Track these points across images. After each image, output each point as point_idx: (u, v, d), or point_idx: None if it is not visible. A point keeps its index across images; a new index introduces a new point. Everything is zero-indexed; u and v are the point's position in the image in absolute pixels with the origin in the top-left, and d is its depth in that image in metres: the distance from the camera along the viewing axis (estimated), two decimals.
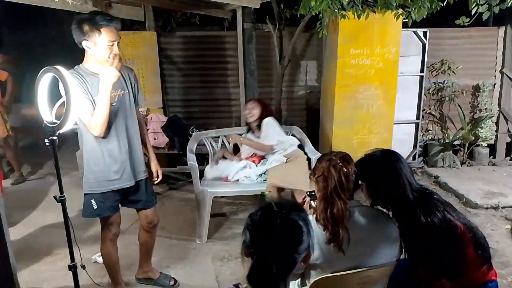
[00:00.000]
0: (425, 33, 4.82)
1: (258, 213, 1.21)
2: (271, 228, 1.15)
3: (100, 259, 3.08)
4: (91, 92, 2.06)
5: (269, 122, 3.57)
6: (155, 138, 4.37)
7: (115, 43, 2.06)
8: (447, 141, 5.13)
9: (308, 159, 3.64)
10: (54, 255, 3.24)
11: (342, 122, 4.44)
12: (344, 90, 4.36)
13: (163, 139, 4.35)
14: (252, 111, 3.56)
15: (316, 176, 1.72)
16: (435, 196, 1.80)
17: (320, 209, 1.65)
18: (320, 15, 3.95)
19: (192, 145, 3.80)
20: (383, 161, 1.81)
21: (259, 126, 3.59)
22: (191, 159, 3.60)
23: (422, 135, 5.29)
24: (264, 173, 3.52)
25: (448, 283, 1.68)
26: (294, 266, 1.19)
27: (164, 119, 4.50)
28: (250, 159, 3.69)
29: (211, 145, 4.03)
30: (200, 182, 3.49)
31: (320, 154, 3.57)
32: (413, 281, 1.83)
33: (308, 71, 5.18)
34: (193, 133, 4.27)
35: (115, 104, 2.16)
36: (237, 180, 3.56)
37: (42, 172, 5.25)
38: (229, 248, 3.34)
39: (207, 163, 4.19)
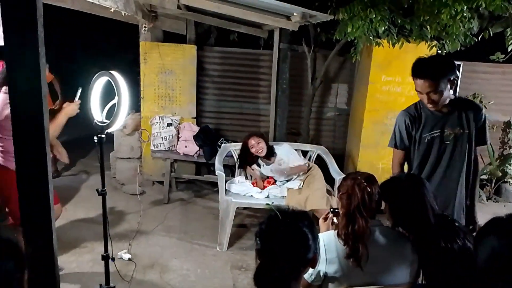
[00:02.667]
0: (458, 66, 4.84)
1: (265, 221, 1.34)
2: (276, 234, 1.29)
3: (125, 256, 3.23)
4: None
5: (289, 148, 3.89)
6: (185, 146, 4.54)
7: None
8: None
9: (332, 180, 3.72)
10: (81, 247, 3.41)
11: (368, 146, 4.50)
12: (372, 115, 4.43)
13: (193, 148, 4.51)
14: (260, 145, 3.73)
15: (340, 193, 1.81)
16: (456, 224, 1.85)
17: (342, 225, 1.73)
18: (355, 40, 4.06)
19: (220, 156, 3.94)
20: (408, 184, 1.88)
21: (268, 155, 3.78)
22: (219, 168, 3.73)
23: None
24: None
25: None
26: (299, 269, 1.31)
27: (196, 128, 4.67)
28: (270, 182, 3.80)
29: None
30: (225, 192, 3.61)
31: (344, 175, 3.65)
32: None
33: (339, 94, 5.27)
34: (222, 144, 4.43)
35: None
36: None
37: (75, 169, 5.50)
38: (247, 259, 3.43)
39: (233, 175, 4.32)
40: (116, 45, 7.36)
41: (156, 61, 4.67)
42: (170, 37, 5.05)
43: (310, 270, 1.68)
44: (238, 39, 5.32)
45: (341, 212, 1.80)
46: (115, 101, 1.86)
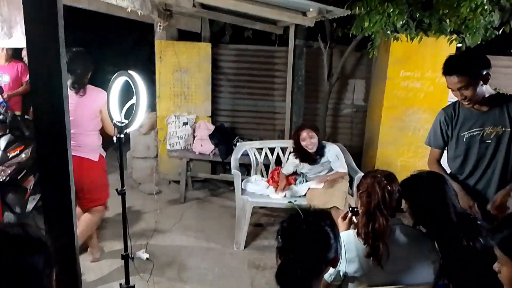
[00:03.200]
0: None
1: (287, 220, 1.35)
2: (297, 232, 1.29)
3: (143, 255, 3.25)
4: None
5: (339, 151, 3.58)
6: (201, 145, 4.54)
7: None
8: None
9: (350, 177, 3.67)
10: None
11: (386, 143, 4.43)
12: (391, 112, 4.36)
13: (209, 147, 4.51)
14: (312, 140, 3.42)
15: (360, 191, 1.78)
16: (479, 222, 1.80)
17: (362, 223, 1.70)
18: (372, 36, 3.99)
19: (236, 154, 3.93)
20: (429, 182, 1.83)
21: (316, 153, 3.49)
22: (235, 167, 3.72)
23: None
24: (305, 195, 3.56)
25: None
26: (321, 268, 1.32)
27: (212, 127, 4.67)
28: (286, 181, 3.74)
29: (255, 156, 4.14)
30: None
31: (362, 173, 3.60)
32: None
33: (356, 90, 5.20)
34: (237, 143, 4.42)
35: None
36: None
37: None
38: (264, 258, 3.41)
39: (248, 173, 4.31)
40: (132, 44, 7.41)
41: (171, 59, 4.69)
42: (185, 36, 5.06)
43: (331, 270, 1.66)
44: (253, 36, 5.30)
45: (360, 210, 1.76)
46: (133, 101, 1.86)
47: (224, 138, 4.62)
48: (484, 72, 2.06)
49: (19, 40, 3.04)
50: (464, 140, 2.26)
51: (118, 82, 1.90)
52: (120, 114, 1.91)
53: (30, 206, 3.38)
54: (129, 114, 1.92)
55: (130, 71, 1.86)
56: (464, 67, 2.07)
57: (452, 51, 4.16)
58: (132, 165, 4.98)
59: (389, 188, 1.71)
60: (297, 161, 3.59)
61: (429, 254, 1.72)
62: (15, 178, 3.15)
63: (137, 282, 2.64)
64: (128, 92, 1.97)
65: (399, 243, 1.69)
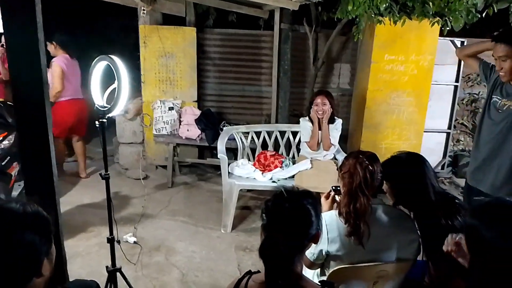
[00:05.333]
0: (462, 43, 4.77)
1: (271, 198, 1.40)
2: (280, 210, 1.34)
3: (131, 239, 3.28)
4: None
5: (340, 126, 3.62)
6: (187, 130, 4.54)
7: None
8: None
9: (337, 160, 3.72)
10: (88, 232, 3.45)
11: (371, 127, 4.48)
12: (375, 95, 4.40)
13: (195, 131, 4.52)
14: (324, 107, 3.45)
15: (342, 172, 1.82)
16: (457, 201, 1.86)
17: (344, 203, 1.74)
18: (357, 19, 4.00)
19: (223, 139, 3.94)
20: (409, 162, 1.88)
21: (328, 122, 3.53)
22: (221, 151, 3.74)
23: (453, 145, 5.24)
24: (293, 177, 3.59)
25: (463, 282, 1.73)
26: (303, 244, 1.37)
27: (198, 112, 4.66)
28: (272, 165, 3.77)
29: (241, 140, 4.16)
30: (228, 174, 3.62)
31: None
32: (429, 280, 1.89)
33: (341, 74, 5.23)
34: (224, 128, 4.42)
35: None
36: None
37: None
38: (252, 240, 3.47)
39: (235, 158, 4.33)
40: (118, 30, 7.28)
41: (156, 44, 4.64)
42: (169, 20, 5.00)
43: (313, 249, 1.71)
44: (237, 20, 5.25)
45: (342, 190, 1.81)
46: (115, 85, 1.85)
47: (211, 123, 4.62)
48: None
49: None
50: (488, 103, 2.42)
51: (99, 67, 1.89)
52: (102, 99, 1.90)
53: (15, 193, 3.36)
54: (112, 98, 1.91)
55: (111, 55, 1.84)
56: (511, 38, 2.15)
57: (436, 34, 4.20)
58: (119, 151, 4.96)
59: (371, 168, 1.75)
60: (310, 124, 3.60)
61: (409, 232, 1.77)
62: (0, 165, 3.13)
63: (125, 266, 2.67)
64: (110, 76, 1.96)
65: (380, 222, 1.74)
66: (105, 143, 2.01)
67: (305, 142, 3.67)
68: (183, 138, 4.57)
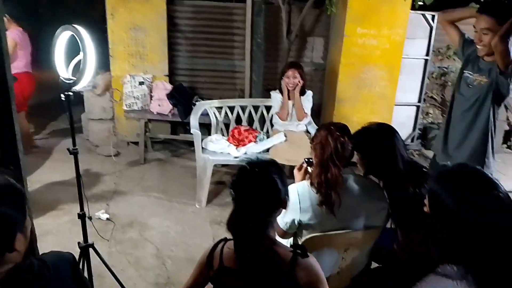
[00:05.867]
0: (433, 17, 4.83)
1: (237, 172, 1.43)
2: (246, 181, 1.37)
3: (103, 216, 3.23)
4: None
5: (310, 97, 3.73)
6: (159, 105, 4.45)
7: None
8: None
9: (309, 134, 3.75)
10: (58, 209, 3.38)
11: (344, 101, 4.52)
12: (348, 69, 4.42)
13: (167, 106, 4.43)
14: (295, 80, 3.55)
15: (314, 143, 1.83)
16: (424, 170, 1.91)
17: (315, 173, 1.76)
18: None
19: (196, 114, 3.89)
20: (379, 133, 1.91)
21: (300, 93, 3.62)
22: (194, 126, 3.69)
23: (422, 118, 5.36)
24: (267, 150, 3.60)
25: (431, 247, 1.80)
26: (272, 210, 1.40)
27: (170, 87, 4.56)
28: (246, 139, 3.77)
29: (215, 115, 4.12)
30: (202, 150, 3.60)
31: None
32: (398, 247, 1.97)
33: (315, 48, 5.20)
34: (197, 103, 4.36)
35: None
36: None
37: (46, 132, 5.36)
38: (226, 214, 3.38)
39: (209, 133, 4.29)
40: (80, 1, 6.96)
41: (124, 17, 4.47)
42: None
43: (286, 218, 1.73)
44: None
45: (314, 161, 1.82)
46: (80, 57, 1.78)
47: (183, 98, 4.54)
48: None
49: None
50: (460, 78, 2.45)
51: (62, 37, 1.80)
52: (67, 71, 1.82)
53: None
54: (78, 71, 1.83)
55: (75, 25, 1.76)
56: (497, 11, 2.13)
57: (407, 8, 4.23)
58: (88, 127, 4.82)
59: (342, 139, 1.77)
60: (280, 95, 3.67)
61: (378, 201, 1.82)
62: None
63: (98, 243, 2.62)
64: (75, 49, 1.87)
65: (351, 192, 1.77)
66: (72, 117, 1.95)
67: (276, 113, 3.71)
68: (155, 113, 4.49)
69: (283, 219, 1.73)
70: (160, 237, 3.07)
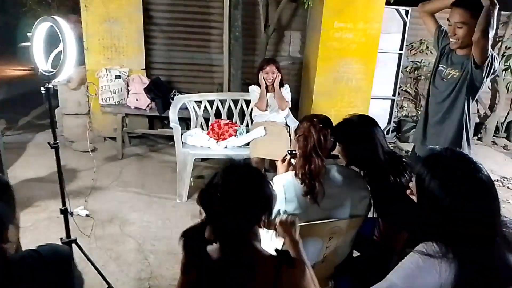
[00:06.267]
0: (406, 12, 4.95)
1: (213, 182, 1.25)
2: (225, 196, 1.22)
3: (82, 212, 3.18)
4: None
5: (288, 90, 3.85)
6: (136, 99, 4.39)
7: None
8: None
9: (289, 128, 3.79)
10: (35, 206, 3.30)
11: (321, 94, 4.59)
12: (325, 63, 4.49)
13: (145, 101, 4.37)
14: (273, 75, 3.69)
15: (297, 135, 1.86)
16: (404, 160, 1.97)
17: (299, 165, 1.79)
18: None
19: (175, 108, 3.86)
20: (360, 124, 1.96)
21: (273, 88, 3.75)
22: (174, 120, 3.67)
23: (397, 111, 5.50)
24: (247, 144, 3.62)
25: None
26: (257, 220, 1.27)
27: (147, 80, 4.50)
28: (226, 133, 3.77)
29: (194, 109, 4.10)
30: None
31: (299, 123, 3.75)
32: (379, 235, 2.03)
33: (292, 42, 5.24)
34: (175, 96, 4.32)
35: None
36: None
37: (18, 128, 5.20)
38: None
39: (188, 127, 4.27)
40: None
41: (98, 8, 4.37)
42: None
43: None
44: None
45: (298, 153, 1.85)
46: (60, 48, 1.74)
47: (161, 91, 4.49)
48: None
49: None
50: (434, 71, 2.50)
51: (41, 28, 1.75)
52: (46, 63, 1.78)
53: None
54: (57, 63, 1.79)
55: (54, 16, 1.71)
56: (472, 4, 2.14)
57: (382, 2, 4.32)
58: (63, 122, 4.71)
59: (324, 131, 1.80)
60: (258, 89, 3.76)
61: (360, 190, 1.87)
62: None
63: (78, 238, 2.57)
64: (53, 40, 1.83)
65: (334, 182, 1.81)
66: (52, 111, 1.90)
67: (255, 104, 3.80)
68: (132, 108, 4.42)
69: None
70: (141, 232, 3.05)
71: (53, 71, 1.77)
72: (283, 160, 2.03)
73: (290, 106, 3.87)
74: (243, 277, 1.23)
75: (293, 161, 2.03)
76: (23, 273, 1.01)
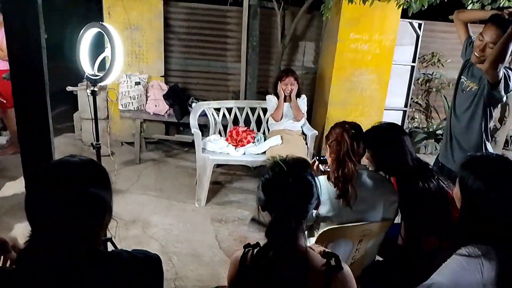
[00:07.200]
0: (420, 25, 5.05)
1: (270, 173, 1.33)
2: (284, 186, 1.29)
3: None
4: None
5: (305, 100, 3.99)
6: (156, 105, 4.48)
7: None
8: (430, 129, 5.45)
9: (305, 136, 3.88)
10: None
11: (336, 103, 4.66)
12: (341, 73, 4.57)
13: (163, 107, 4.46)
14: (291, 87, 3.79)
15: (330, 141, 1.94)
16: (430, 167, 2.04)
17: (333, 169, 1.86)
18: None
19: (195, 114, 3.94)
20: (389, 131, 2.03)
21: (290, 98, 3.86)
22: (194, 126, 3.75)
23: (408, 122, 5.58)
24: (264, 153, 3.70)
25: (436, 241, 1.93)
26: (307, 214, 1.34)
27: (166, 87, 4.60)
28: (245, 140, 3.85)
29: (213, 115, 4.18)
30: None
31: (316, 131, 3.84)
32: (403, 241, 2.09)
33: (306, 52, 5.34)
34: (193, 103, 4.41)
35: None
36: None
37: None
38: (225, 212, 3.55)
39: (204, 134, 4.34)
40: None
41: (120, 15, 4.49)
42: None
43: None
44: None
45: (330, 158, 1.92)
46: (106, 53, 1.82)
47: (179, 98, 4.58)
48: None
49: None
50: (457, 83, 2.59)
51: (89, 34, 1.84)
52: (92, 68, 1.86)
53: None
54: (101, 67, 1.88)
55: (102, 23, 1.80)
56: (507, 26, 2.14)
57: (397, 15, 4.41)
58: (81, 126, 4.79)
59: (356, 136, 1.88)
60: (275, 99, 3.88)
61: (390, 195, 1.93)
62: None
63: None
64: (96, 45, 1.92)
65: (366, 186, 1.88)
66: (96, 113, 1.98)
67: (271, 114, 3.91)
68: (151, 113, 4.51)
69: None
70: (163, 234, 3.11)
71: (99, 75, 1.85)
72: (312, 165, 2.11)
73: (305, 117, 3.98)
74: (295, 279, 1.24)
75: (321, 166, 2.10)
76: (116, 268, 1.07)
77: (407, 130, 5.50)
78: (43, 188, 1.00)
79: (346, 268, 1.28)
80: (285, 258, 1.27)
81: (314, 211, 1.84)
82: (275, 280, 1.26)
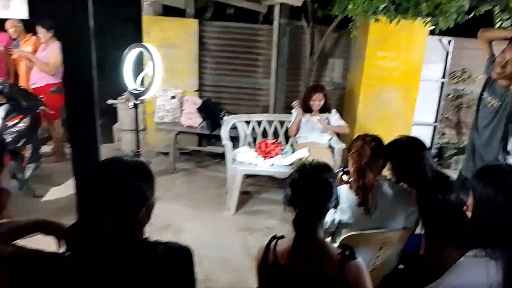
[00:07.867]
0: (449, 42, 5.08)
1: (297, 173, 1.56)
2: (308, 185, 1.51)
3: None
4: None
5: (338, 114, 4.20)
6: (190, 119, 4.71)
7: None
8: (461, 145, 5.41)
9: (332, 149, 3.99)
10: None
11: (364, 119, 4.75)
12: (368, 90, 4.67)
13: (197, 120, 4.69)
14: (320, 103, 3.99)
15: (351, 152, 2.06)
16: (450, 179, 2.12)
17: (354, 179, 1.98)
18: (352, 17, 4.23)
19: (226, 127, 4.14)
20: (409, 144, 2.13)
21: (321, 111, 4.04)
22: (226, 138, 3.94)
23: (438, 138, 5.57)
24: (291, 164, 3.83)
25: (455, 250, 1.99)
26: (326, 212, 1.56)
27: (199, 101, 4.83)
28: (273, 152, 4.00)
29: (243, 128, 4.36)
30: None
31: (344, 144, 3.94)
32: (424, 252, 2.15)
33: (334, 69, 5.47)
34: (224, 117, 4.62)
35: None
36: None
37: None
38: (254, 221, 3.69)
39: (235, 146, 4.53)
40: (111, 20, 7.32)
41: (158, 35, 4.78)
42: (168, 11, 5.15)
43: (327, 218, 1.94)
44: (234, 13, 5.44)
45: (352, 168, 2.04)
46: (147, 71, 2.03)
47: (211, 112, 4.80)
48: None
49: (16, 11, 3.10)
50: (480, 99, 2.65)
51: (133, 53, 2.06)
52: (135, 83, 2.08)
53: (27, 174, 3.49)
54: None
55: (144, 43, 2.02)
56: None
57: (425, 33, 4.49)
58: (120, 137, 5.09)
59: (377, 148, 2.00)
60: (300, 110, 4.04)
61: (409, 205, 2.03)
62: (15, 146, 3.25)
63: None
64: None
65: (386, 196, 1.98)
66: (138, 123, 2.19)
67: (287, 127, 4.18)
68: (185, 126, 4.74)
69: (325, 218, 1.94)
70: (194, 239, 3.27)
71: (140, 90, 2.06)
72: (335, 176, 2.22)
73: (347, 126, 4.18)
74: (312, 266, 1.43)
75: (344, 177, 2.22)
76: (152, 257, 1.21)
77: (437, 146, 5.50)
78: (97, 177, 1.18)
79: (360, 259, 1.44)
80: (304, 246, 1.46)
81: (337, 219, 1.96)
82: (294, 265, 1.45)
